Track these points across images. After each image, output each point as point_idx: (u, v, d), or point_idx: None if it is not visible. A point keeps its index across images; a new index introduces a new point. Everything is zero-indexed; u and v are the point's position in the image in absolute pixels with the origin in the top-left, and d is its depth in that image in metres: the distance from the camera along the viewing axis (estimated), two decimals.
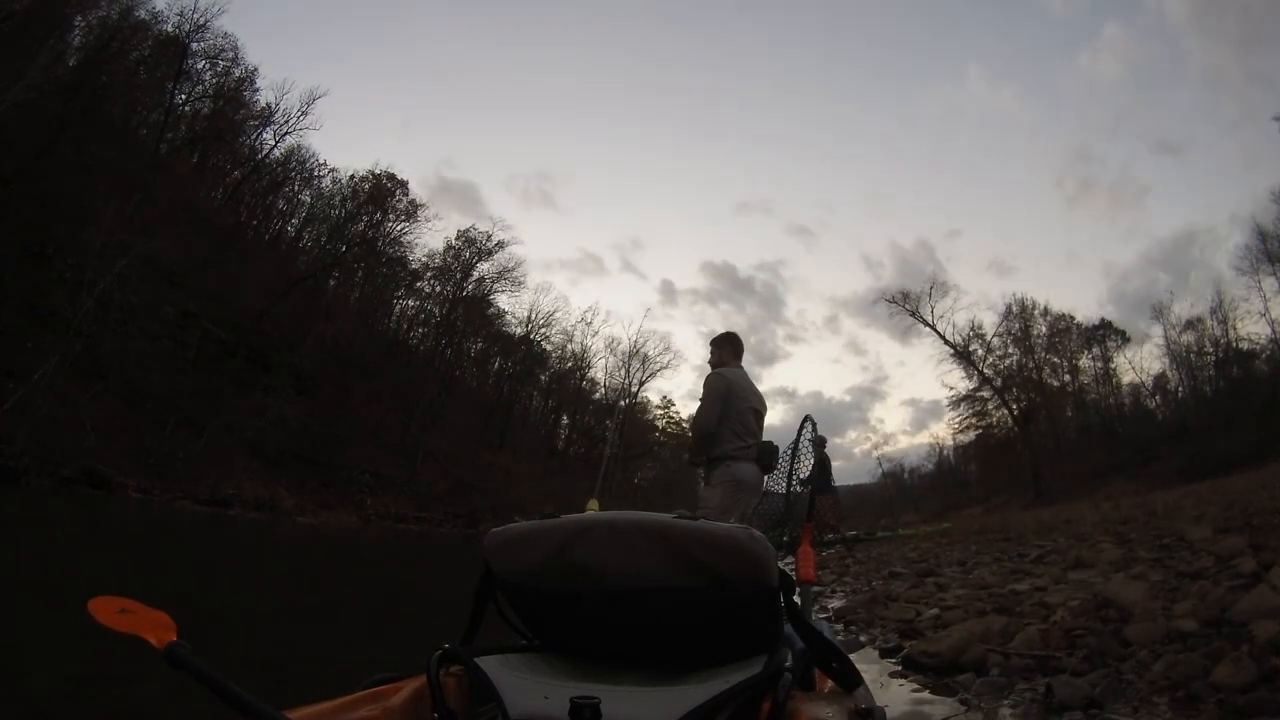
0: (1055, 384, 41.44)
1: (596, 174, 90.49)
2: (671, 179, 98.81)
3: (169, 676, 0.82)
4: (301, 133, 33.82)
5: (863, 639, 4.58)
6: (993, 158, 78.33)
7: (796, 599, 1.22)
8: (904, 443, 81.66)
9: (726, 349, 3.88)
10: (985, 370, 41.09)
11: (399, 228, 37.37)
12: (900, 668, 3.40)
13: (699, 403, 3.72)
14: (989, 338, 41.20)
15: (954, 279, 71.44)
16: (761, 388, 3.94)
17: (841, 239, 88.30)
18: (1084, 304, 62.03)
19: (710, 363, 3.93)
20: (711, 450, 3.55)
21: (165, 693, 2.15)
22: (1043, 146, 75.07)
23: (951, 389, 42.99)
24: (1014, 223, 77.74)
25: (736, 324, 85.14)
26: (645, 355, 44.33)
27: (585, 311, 54.32)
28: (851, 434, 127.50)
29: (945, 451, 49.02)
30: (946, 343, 40.49)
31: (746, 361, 4.03)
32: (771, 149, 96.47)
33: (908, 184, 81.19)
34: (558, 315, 44.38)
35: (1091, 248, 70.18)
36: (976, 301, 65.15)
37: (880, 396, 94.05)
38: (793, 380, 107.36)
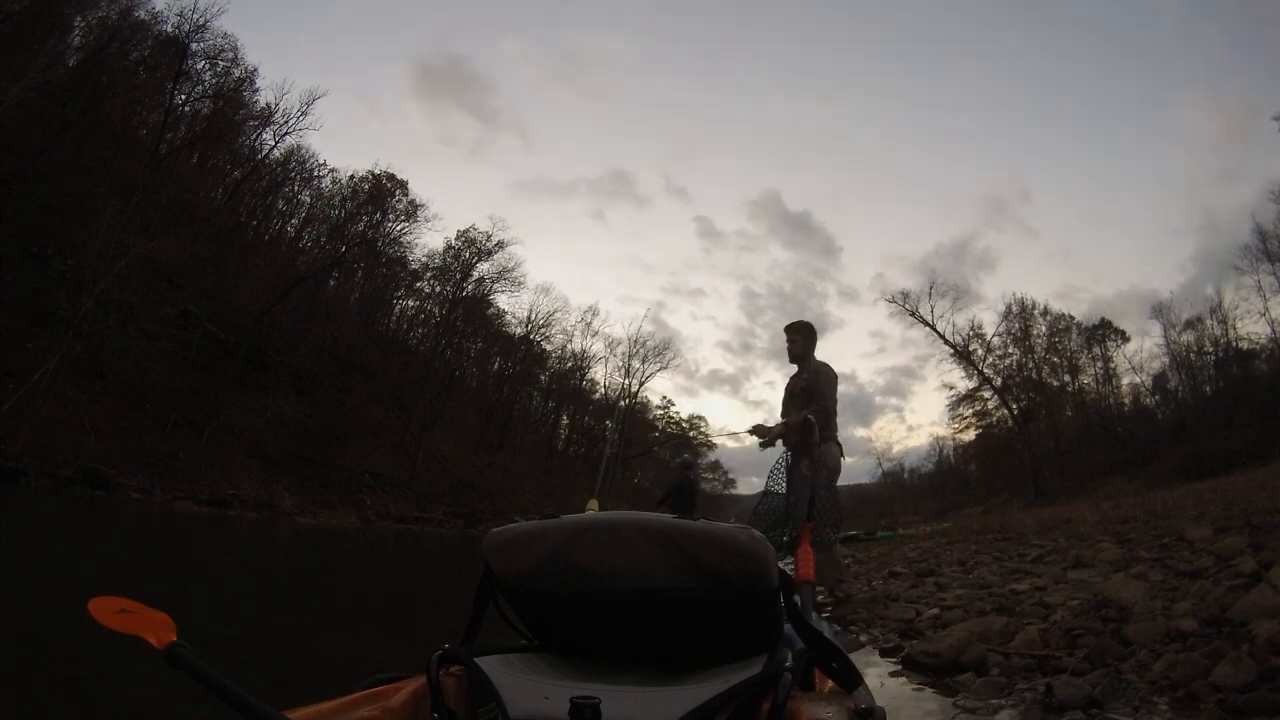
0: (1055, 384, 41.50)
1: (637, 50, 79.13)
2: (728, 77, 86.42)
3: (169, 676, 0.82)
4: (301, 133, 33.89)
5: (863, 639, 4.58)
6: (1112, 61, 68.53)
7: (796, 599, 1.22)
8: (936, 433, 77.23)
9: (813, 341, 4.25)
10: (985, 370, 41.17)
11: (399, 228, 37.51)
12: (900, 668, 3.40)
13: (815, 387, 4.07)
14: (989, 337, 41.29)
15: (1038, 224, 68.54)
16: None
17: (920, 175, 79.88)
18: (1162, 271, 58.02)
19: (797, 350, 4.22)
20: (811, 435, 3.92)
21: (165, 693, 2.15)
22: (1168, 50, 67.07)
23: (952, 389, 43.15)
24: (1113, 157, 70.14)
25: (781, 279, 79.55)
26: (645, 355, 44.35)
27: (585, 311, 54.26)
28: (879, 422, 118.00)
29: (945, 451, 49.14)
30: (946, 342, 40.55)
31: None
32: (853, 55, 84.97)
33: (1010, 101, 72.88)
34: (557, 315, 44.47)
35: (1193, 191, 63.26)
36: (977, 301, 64.95)
37: (920, 378, 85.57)
38: (831, 356, 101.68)
